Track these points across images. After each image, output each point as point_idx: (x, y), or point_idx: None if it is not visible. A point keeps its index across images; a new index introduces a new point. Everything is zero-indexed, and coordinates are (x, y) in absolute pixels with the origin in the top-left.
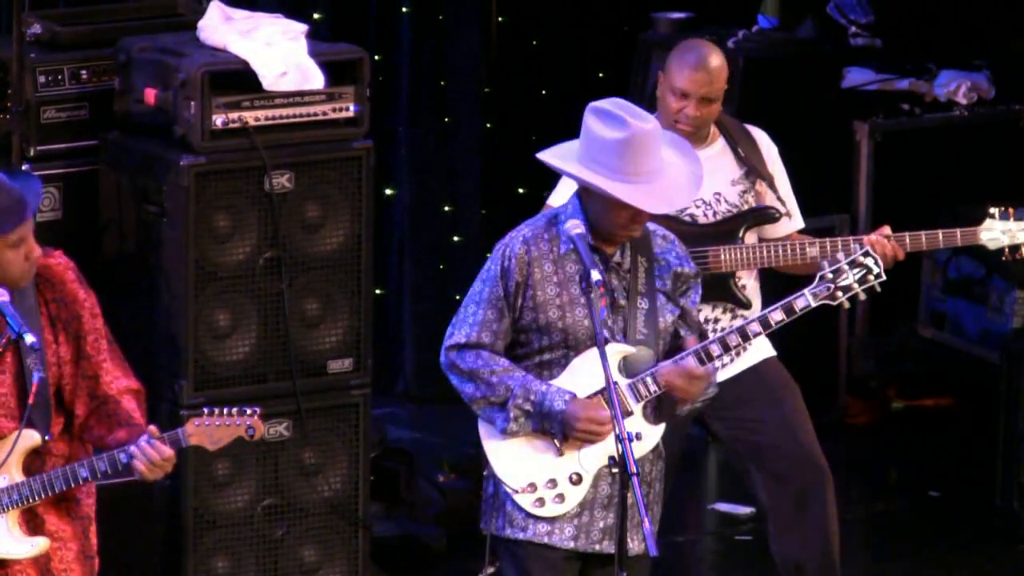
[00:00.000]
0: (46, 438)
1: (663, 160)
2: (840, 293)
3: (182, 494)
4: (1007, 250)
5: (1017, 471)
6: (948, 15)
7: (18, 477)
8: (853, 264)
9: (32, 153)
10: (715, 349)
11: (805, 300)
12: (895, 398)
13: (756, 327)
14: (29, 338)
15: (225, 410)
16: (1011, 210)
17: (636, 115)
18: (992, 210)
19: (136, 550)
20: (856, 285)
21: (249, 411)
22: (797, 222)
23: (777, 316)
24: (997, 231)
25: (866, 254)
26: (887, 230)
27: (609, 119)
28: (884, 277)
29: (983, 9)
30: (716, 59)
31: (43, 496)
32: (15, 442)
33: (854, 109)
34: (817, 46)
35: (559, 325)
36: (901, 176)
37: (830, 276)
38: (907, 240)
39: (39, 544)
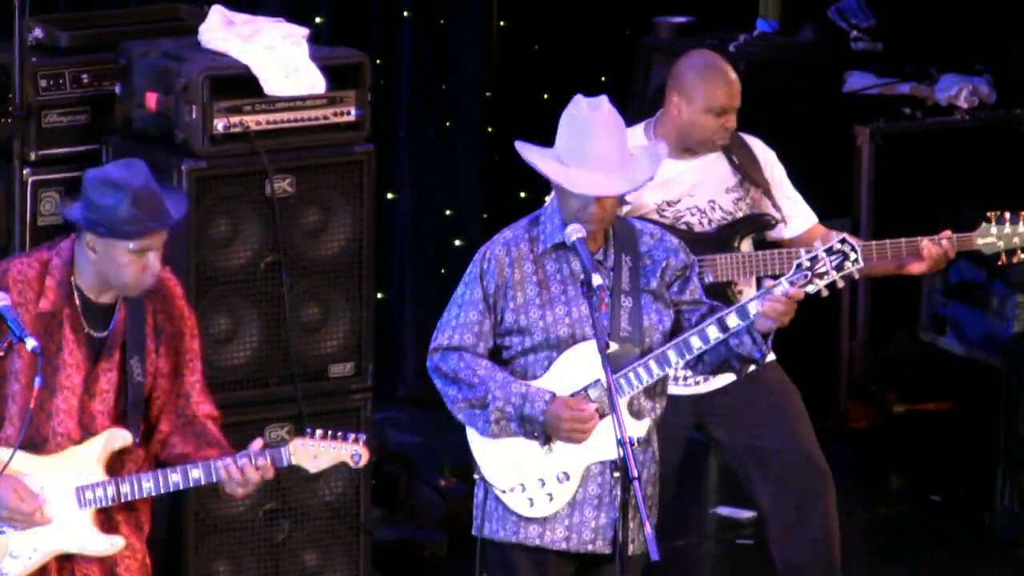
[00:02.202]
0: (136, 441)
1: (624, 154)
2: (818, 280)
3: (184, 498)
4: (1003, 255)
5: (1018, 476)
6: (949, 19)
7: (102, 475)
8: (830, 251)
9: (33, 157)
10: (696, 342)
11: (783, 289)
12: (896, 402)
13: (735, 319)
14: (31, 343)
15: (330, 432)
16: (1007, 215)
17: (593, 103)
18: (988, 215)
19: None
20: (834, 272)
21: (354, 436)
22: (810, 217)
23: (755, 307)
24: (992, 236)
25: (843, 241)
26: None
27: (572, 104)
28: (861, 263)
29: (984, 13)
30: (731, 67)
31: (129, 496)
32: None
33: (855, 113)
34: (818, 50)
35: (540, 325)
36: (902, 180)
37: (807, 264)
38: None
39: (117, 543)
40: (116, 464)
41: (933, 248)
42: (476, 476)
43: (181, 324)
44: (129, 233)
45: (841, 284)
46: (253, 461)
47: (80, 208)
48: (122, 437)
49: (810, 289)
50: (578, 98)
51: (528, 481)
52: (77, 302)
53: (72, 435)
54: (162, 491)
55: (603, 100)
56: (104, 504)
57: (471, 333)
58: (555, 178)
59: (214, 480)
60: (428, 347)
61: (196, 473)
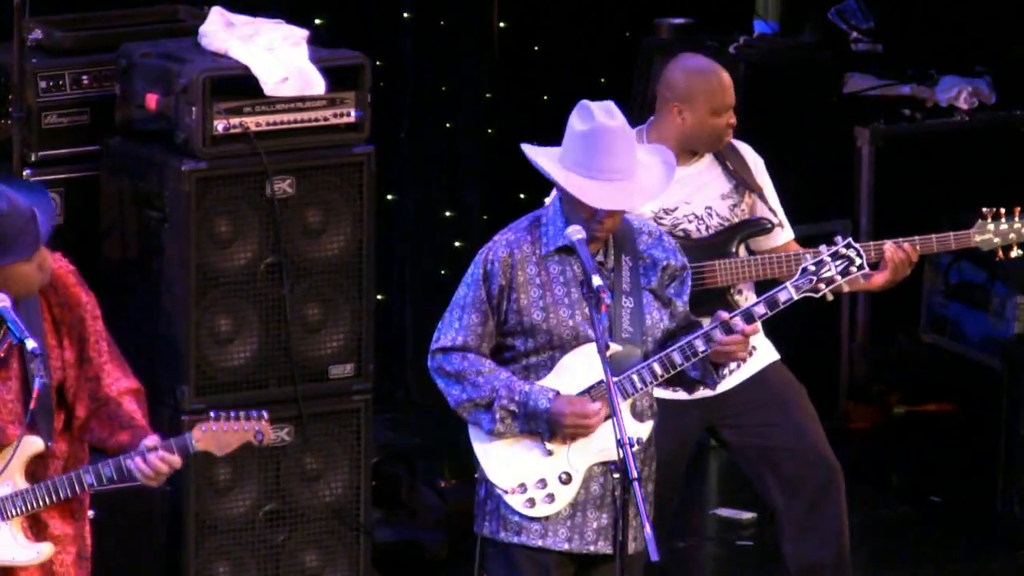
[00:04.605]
0: (48, 444)
1: (636, 163)
2: (823, 285)
3: (184, 499)
4: (1000, 251)
5: (1019, 477)
6: (949, 21)
7: (21, 484)
8: (835, 256)
9: (33, 159)
10: (699, 345)
11: (788, 293)
12: (896, 404)
13: (739, 322)
14: (31, 343)
15: (232, 414)
16: (1002, 211)
17: (607, 112)
18: (984, 211)
19: (138, 555)
20: (839, 277)
21: (256, 415)
22: (788, 232)
23: (760, 310)
24: (989, 233)
25: (848, 245)
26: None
27: (583, 113)
28: (867, 268)
29: (984, 15)
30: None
31: (48, 503)
32: (15, 449)
33: (855, 115)
34: (818, 52)
35: (543, 327)
36: (902, 182)
37: (812, 269)
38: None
39: (44, 551)
40: (39, 468)
41: (896, 252)
42: (477, 475)
43: (80, 310)
44: (26, 254)
45: (846, 289)
46: (159, 454)
47: None
48: (33, 444)
49: (814, 294)
50: (587, 105)
51: (529, 481)
52: None
53: None
54: (78, 492)
55: (613, 108)
56: (24, 512)
57: (474, 335)
58: (571, 190)
59: (125, 476)
60: (429, 348)
61: (107, 471)
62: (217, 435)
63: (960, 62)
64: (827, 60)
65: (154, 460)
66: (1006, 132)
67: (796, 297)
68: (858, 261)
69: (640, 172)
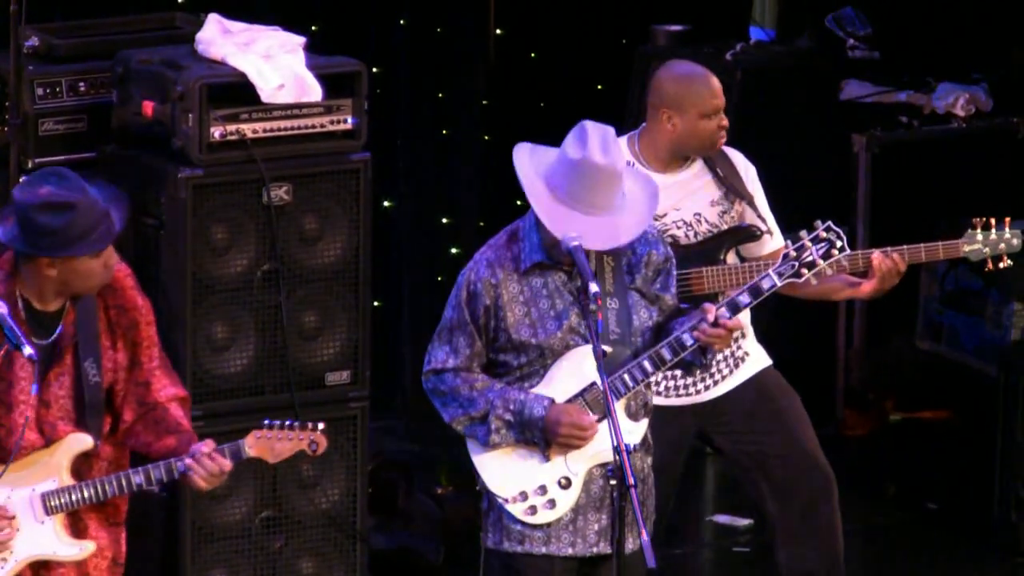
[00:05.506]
0: (97, 443)
1: (618, 200)
2: (805, 270)
3: (181, 506)
4: (990, 261)
5: (1015, 483)
6: (946, 28)
7: (67, 480)
8: (816, 240)
9: (30, 165)
10: (687, 339)
11: (771, 280)
12: (893, 410)
13: (725, 312)
14: (27, 350)
15: (287, 423)
16: (992, 221)
17: (602, 145)
18: (974, 221)
19: (135, 562)
20: (820, 260)
21: (312, 425)
22: (778, 240)
23: (744, 299)
24: (979, 243)
25: (828, 228)
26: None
27: (579, 139)
28: (848, 251)
29: (981, 22)
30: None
31: (93, 500)
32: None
33: (852, 121)
34: (815, 58)
35: (533, 342)
36: (899, 189)
37: (794, 254)
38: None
39: (87, 548)
40: (84, 466)
41: (884, 262)
42: (479, 487)
43: (135, 314)
44: (96, 248)
45: (829, 273)
46: (211, 458)
47: (18, 234)
48: (82, 441)
49: (797, 279)
50: (587, 130)
51: (529, 489)
52: (23, 314)
53: (35, 446)
54: (125, 492)
55: (610, 140)
56: (68, 509)
57: (463, 356)
58: (542, 216)
59: (176, 478)
60: (424, 358)
61: (157, 473)
62: (271, 443)
63: (957, 69)
64: (824, 67)
65: (207, 462)
66: (1003, 139)
67: (779, 284)
68: (839, 243)
69: (620, 210)
